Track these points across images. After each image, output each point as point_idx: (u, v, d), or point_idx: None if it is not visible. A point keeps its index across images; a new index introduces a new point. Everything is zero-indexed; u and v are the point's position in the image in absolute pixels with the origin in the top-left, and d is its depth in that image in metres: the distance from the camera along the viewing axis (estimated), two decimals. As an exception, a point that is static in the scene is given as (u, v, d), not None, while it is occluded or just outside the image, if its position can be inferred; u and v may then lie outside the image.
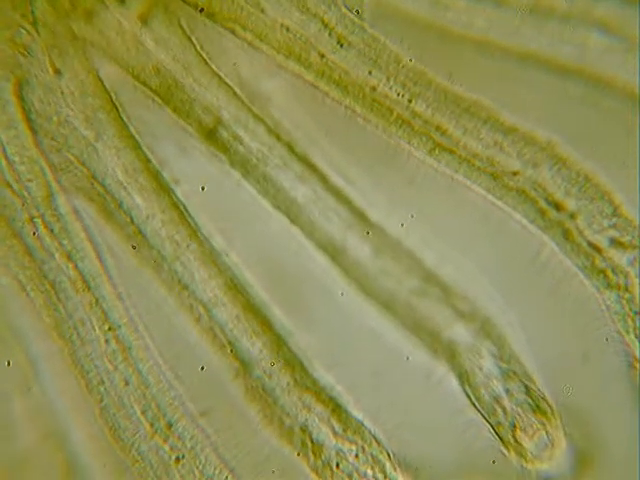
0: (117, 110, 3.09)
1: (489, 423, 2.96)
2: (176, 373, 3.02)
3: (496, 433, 2.95)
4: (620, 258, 2.97)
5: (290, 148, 3.09)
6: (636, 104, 3.02)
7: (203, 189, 3.08)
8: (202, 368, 3.01)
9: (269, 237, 3.10)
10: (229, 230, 3.10)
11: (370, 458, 2.96)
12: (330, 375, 3.02)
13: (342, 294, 3.05)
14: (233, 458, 2.99)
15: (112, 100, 3.09)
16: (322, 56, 3.08)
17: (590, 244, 2.99)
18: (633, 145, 3.02)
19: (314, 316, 3.06)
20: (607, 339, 2.97)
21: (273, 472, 2.97)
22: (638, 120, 3.01)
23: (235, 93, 3.10)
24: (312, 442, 2.96)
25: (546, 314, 3.01)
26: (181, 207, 3.08)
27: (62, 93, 3.06)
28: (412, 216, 3.06)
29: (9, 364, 3.02)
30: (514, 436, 2.93)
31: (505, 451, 2.94)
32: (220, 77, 3.10)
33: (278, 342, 3.03)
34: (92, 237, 3.06)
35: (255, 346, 3.01)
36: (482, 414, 2.96)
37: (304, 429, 2.97)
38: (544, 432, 2.92)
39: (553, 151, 3.03)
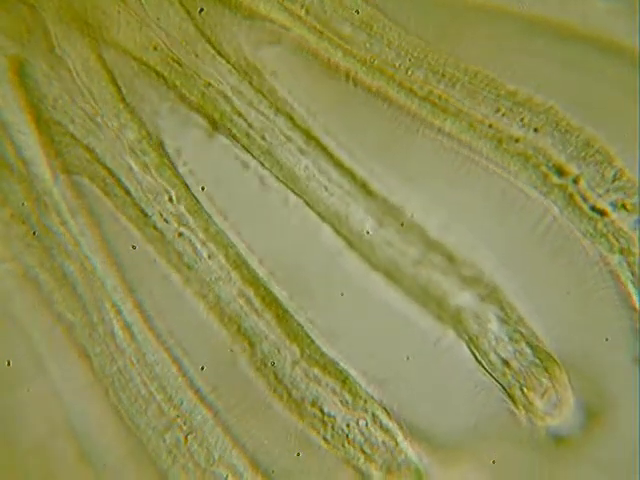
0: (120, 89, 3.10)
1: (500, 384, 2.97)
2: (184, 349, 3.04)
3: (507, 394, 2.97)
4: (623, 221, 2.99)
5: (293, 121, 3.10)
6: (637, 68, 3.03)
7: (203, 189, 3.10)
8: (202, 368, 3.03)
9: (273, 214, 3.11)
10: (232, 207, 3.11)
11: (381, 428, 2.97)
12: (337, 347, 3.04)
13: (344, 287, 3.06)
14: (245, 433, 3.00)
15: (115, 79, 3.10)
16: (320, 31, 3.09)
17: (593, 208, 3.00)
18: (636, 109, 3.03)
19: (317, 291, 3.07)
20: (607, 339, 2.99)
21: (273, 472, 2.99)
22: (638, 84, 3.02)
23: (237, 68, 3.11)
24: (323, 414, 2.97)
25: (550, 279, 3.02)
26: (185, 185, 3.09)
27: (65, 73, 3.07)
28: (412, 215, 3.07)
29: (9, 364, 3.03)
30: (525, 396, 2.94)
31: (516, 410, 2.95)
32: (221, 52, 3.11)
33: (285, 317, 3.04)
34: (97, 217, 3.08)
35: (262, 321, 3.03)
36: (492, 377, 2.98)
37: (314, 402, 2.98)
38: (553, 391, 2.94)
39: (555, 116, 3.04)
